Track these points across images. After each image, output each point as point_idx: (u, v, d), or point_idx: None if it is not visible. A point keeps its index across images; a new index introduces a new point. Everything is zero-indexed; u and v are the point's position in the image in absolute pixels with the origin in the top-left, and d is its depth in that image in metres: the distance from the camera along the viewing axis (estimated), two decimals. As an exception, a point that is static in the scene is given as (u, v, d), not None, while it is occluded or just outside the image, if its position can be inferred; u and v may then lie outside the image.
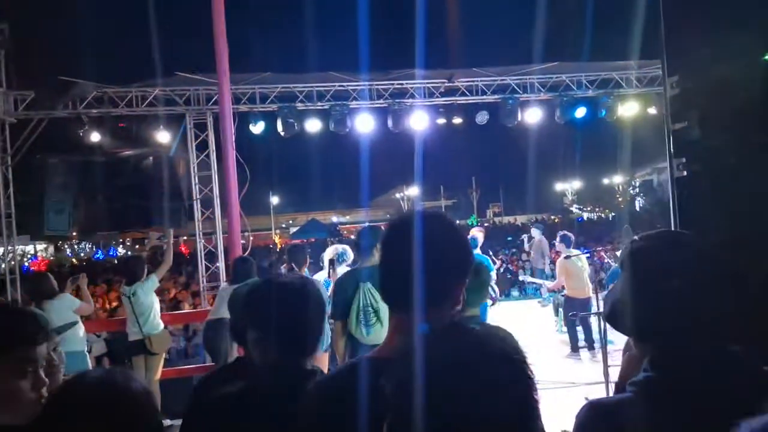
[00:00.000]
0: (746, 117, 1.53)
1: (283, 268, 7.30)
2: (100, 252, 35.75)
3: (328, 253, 5.18)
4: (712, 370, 1.08)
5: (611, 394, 5.09)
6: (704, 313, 1.11)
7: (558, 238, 8.03)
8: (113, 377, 1.08)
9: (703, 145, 1.56)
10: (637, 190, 40.47)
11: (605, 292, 8.53)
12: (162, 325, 5.73)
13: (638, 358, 1.28)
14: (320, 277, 5.34)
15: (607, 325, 6.38)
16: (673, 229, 1.53)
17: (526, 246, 12.23)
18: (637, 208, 36.65)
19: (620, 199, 40.68)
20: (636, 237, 1.31)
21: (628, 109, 10.84)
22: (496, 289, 7.92)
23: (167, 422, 5.75)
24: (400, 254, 1.21)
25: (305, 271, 5.07)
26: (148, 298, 5.70)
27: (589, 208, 43.71)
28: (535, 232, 11.76)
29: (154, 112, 9.54)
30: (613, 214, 39.19)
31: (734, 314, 1.11)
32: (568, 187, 46.20)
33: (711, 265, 1.16)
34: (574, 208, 44.03)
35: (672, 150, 1.60)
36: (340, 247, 5.19)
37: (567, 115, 10.58)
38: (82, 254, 37.27)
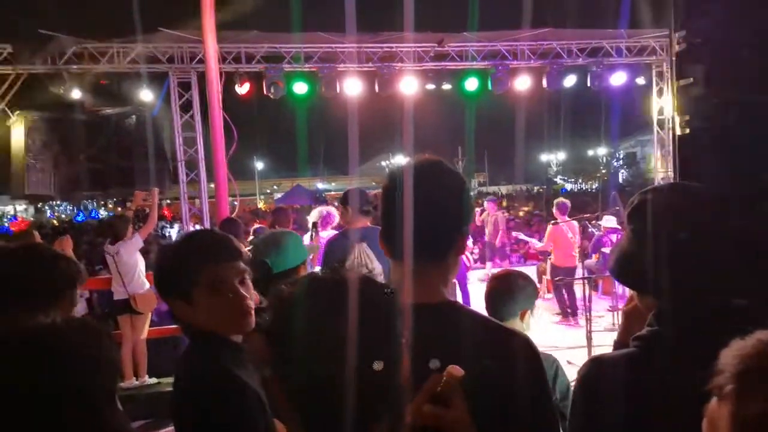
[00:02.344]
0: (753, 75, 1.51)
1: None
2: (81, 214, 35.24)
3: (313, 216, 5.14)
4: (717, 324, 1.07)
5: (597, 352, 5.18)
6: (712, 266, 1.10)
7: (555, 206, 8.06)
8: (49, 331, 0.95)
9: (708, 102, 1.54)
10: (621, 162, 40.81)
11: (588, 261, 8.66)
12: (147, 285, 5.69)
13: (641, 314, 1.27)
14: (306, 240, 5.31)
15: (591, 293, 6.48)
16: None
17: (478, 220, 11.15)
18: (620, 180, 37.01)
19: (603, 171, 40.99)
20: (645, 189, 1.29)
21: (616, 79, 10.82)
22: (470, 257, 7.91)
23: (152, 380, 5.79)
24: (402, 204, 1.17)
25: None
26: (132, 258, 5.65)
27: (572, 179, 44.05)
28: (489, 205, 10.92)
29: (136, 69, 9.28)
30: (596, 185, 39.55)
31: (743, 267, 1.11)
32: (553, 158, 46.39)
33: (720, 217, 1.15)
34: (559, 179, 44.33)
35: (676, 106, 1.58)
36: (324, 209, 5.14)
37: (556, 84, 10.53)
38: (63, 216, 36.73)
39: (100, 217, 33.36)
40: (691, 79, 1.53)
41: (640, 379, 1.07)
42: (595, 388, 1.12)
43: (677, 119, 1.59)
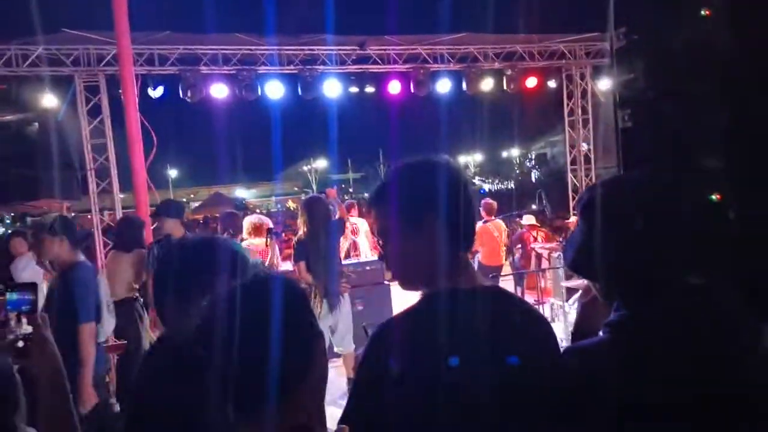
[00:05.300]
0: (684, 68, 1.59)
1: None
2: (-27, 231, 32.27)
3: (252, 222, 5.00)
4: (682, 302, 1.12)
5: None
6: (669, 249, 1.14)
7: (481, 206, 8.20)
8: None
9: (646, 96, 1.61)
10: (533, 162, 42.78)
11: (511, 259, 8.97)
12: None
13: (599, 303, 1.31)
14: (261, 245, 5.12)
15: (518, 289, 6.70)
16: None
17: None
18: (533, 180, 38.74)
19: (518, 171, 42.78)
20: (593, 184, 1.34)
21: (530, 83, 11.28)
22: None
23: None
24: (460, 195, 1.25)
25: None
26: (21, 277, 5.26)
27: (489, 180, 45.61)
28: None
29: (37, 72, 8.61)
30: (512, 186, 41.15)
31: (698, 247, 1.16)
32: (471, 159, 47.84)
33: (670, 203, 1.19)
34: (477, 180, 45.75)
35: (618, 101, 1.64)
36: (264, 218, 5.05)
37: (474, 87, 10.83)
38: (-48, 234, 33.47)
39: (-3, 233, 30.74)
40: (632, 74, 1.59)
41: (616, 364, 1.09)
42: (585, 379, 1.13)
43: (619, 113, 1.65)
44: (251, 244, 4.83)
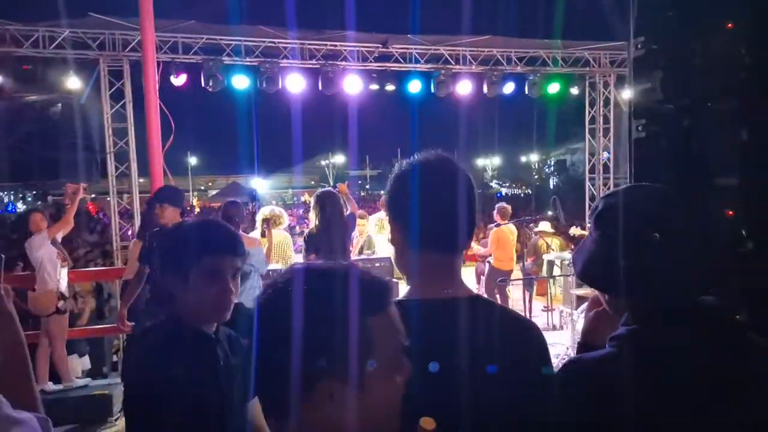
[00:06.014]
0: (705, 82, 1.56)
1: None
2: (-5, 207, 32.83)
3: (264, 213, 5.03)
4: (694, 320, 1.09)
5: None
6: (684, 263, 1.12)
7: (496, 210, 8.14)
8: None
9: (662, 107, 1.58)
10: (552, 168, 42.45)
11: (522, 264, 8.91)
12: (50, 284, 5.28)
13: (609, 316, 1.28)
14: (256, 235, 5.17)
15: (529, 294, 6.64)
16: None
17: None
18: (551, 186, 38.43)
19: (536, 177, 42.45)
20: (607, 193, 1.31)
21: (552, 89, 11.15)
22: None
23: (85, 381, 5.51)
24: (439, 197, 1.19)
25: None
26: (35, 255, 5.28)
27: (507, 184, 45.35)
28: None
29: (63, 55, 8.73)
30: (528, 191, 40.89)
31: (710, 263, 1.14)
32: (489, 162, 47.58)
33: (686, 216, 1.17)
34: (494, 184, 45.50)
35: (632, 111, 1.62)
36: (277, 209, 5.07)
37: (496, 90, 10.74)
38: (-26, 209, 34.07)
39: (18, 210, 31.15)
40: (649, 84, 1.57)
41: (621, 379, 1.07)
42: (589, 391, 1.11)
43: (633, 123, 1.63)
44: (248, 236, 4.84)
